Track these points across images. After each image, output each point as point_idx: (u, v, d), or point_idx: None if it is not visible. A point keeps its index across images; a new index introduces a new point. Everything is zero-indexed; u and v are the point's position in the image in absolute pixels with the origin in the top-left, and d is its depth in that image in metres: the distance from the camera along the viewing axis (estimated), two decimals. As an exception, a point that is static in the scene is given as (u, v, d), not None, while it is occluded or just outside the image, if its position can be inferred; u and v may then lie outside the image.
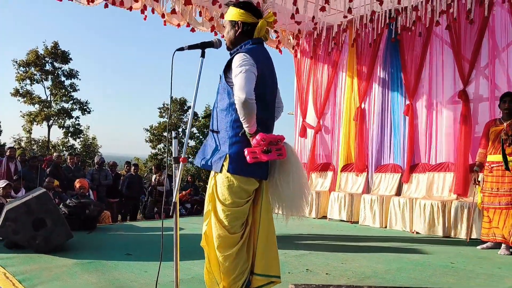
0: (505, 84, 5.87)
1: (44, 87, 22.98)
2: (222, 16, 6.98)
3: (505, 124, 4.72)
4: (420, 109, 6.88)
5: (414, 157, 6.89)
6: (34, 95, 22.55)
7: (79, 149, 23.54)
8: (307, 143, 8.55)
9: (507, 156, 4.55)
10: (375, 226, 6.61)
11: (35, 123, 22.45)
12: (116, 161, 10.26)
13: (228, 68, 2.49)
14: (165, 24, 6.91)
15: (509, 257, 4.52)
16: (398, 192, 6.85)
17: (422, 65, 6.76)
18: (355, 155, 7.56)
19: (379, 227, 6.54)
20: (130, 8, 6.46)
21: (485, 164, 4.90)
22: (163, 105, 24.57)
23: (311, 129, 8.40)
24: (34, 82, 22.55)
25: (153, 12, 6.68)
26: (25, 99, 22.25)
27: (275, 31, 8.06)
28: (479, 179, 5.00)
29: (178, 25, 7.00)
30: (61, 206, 5.72)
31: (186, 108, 24.48)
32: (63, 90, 22.87)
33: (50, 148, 22.58)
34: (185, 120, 24.38)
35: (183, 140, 2.59)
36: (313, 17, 6.54)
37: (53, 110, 22.71)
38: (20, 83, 22.21)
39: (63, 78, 22.94)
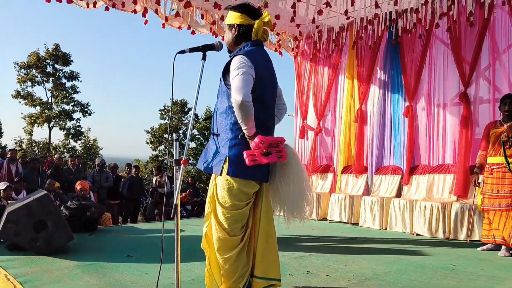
0: (505, 86, 5.88)
1: (45, 89, 23.10)
2: (222, 18, 7.00)
3: (505, 126, 4.72)
4: (420, 111, 6.88)
5: (414, 158, 6.89)
6: (35, 97, 22.64)
7: (80, 151, 23.59)
8: (307, 144, 8.56)
9: (508, 158, 4.56)
10: (375, 228, 6.61)
11: (36, 125, 22.53)
12: (117, 163, 10.28)
13: (226, 70, 2.50)
14: (163, 27, 6.88)
15: (509, 259, 4.52)
16: (398, 194, 6.85)
17: (422, 67, 6.77)
18: (355, 157, 7.56)
19: (380, 229, 6.54)
20: (134, 11, 6.47)
21: (485, 166, 4.90)
22: (164, 107, 24.67)
23: (312, 130, 8.41)
24: (35, 84, 22.67)
25: (156, 13, 6.68)
26: (26, 101, 22.33)
27: (277, 34, 8.07)
28: (479, 181, 5.01)
29: (179, 27, 7.01)
30: (62, 208, 5.73)
31: (186, 110, 24.53)
32: (64, 92, 22.96)
33: (51, 150, 22.62)
34: (185, 122, 24.42)
35: (183, 142, 2.60)
36: (313, 19, 6.55)
37: (54, 112, 22.78)
38: (21, 85, 22.31)
39: (64, 80, 23.06)
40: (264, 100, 2.54)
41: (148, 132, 24.51)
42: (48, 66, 22.61)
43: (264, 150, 2.39)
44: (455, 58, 6.29)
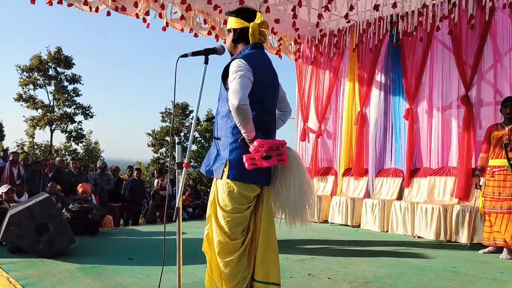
0: (507, 89, 5.88)
1: (47, 92, 23.16)
2: (225, 22, 7.02)
3: (506, 129, 4.73)
4: (421, 114, 6.89)
5: (416, 161, 6.90)
6: (37, 100, 22.73)
7: (82, 153, 23.63)
8: (308, 147, 8.57)
9: (510, 161, 4.56)
10: (376, 230, 6.61)
11: (38, 127, 22.59)
12: (118, 166, 10.29)
13: (226, 74, 2.51)
14: (164, 30, 6.89)
15: (511, 261, 4.52)
16: (400, 197, 6.85)
17: (423, 69, 6.78)
18: (356, 160, 7.56)
19: (381, 232, 6.54)
20: (137, 15, 6.49)
21: (486, 168, 4.90)
22: (165, 109, 24.70)
23: (313, 133, 8.42)
24: (37, 87, 22.75)
25: (160, 17, 6.70)
26: (28, 104, 22.42)
27: (280, 39, 8.08)
28: (481, 184, 5.01)
29: (182, 30, 7.04)
30: (63, 210, 5.74)
31: (188, 112, 24.56)
32: (66, 95, 23.04)
33: (53, 152, 22.67)
34: (186, 124, 24.45)
35: (184, 144, 2.60)
36: (317, 24, 6.55)
37: (55, 115, 22.85)
38: (23, 88, 22.42)
39: (66, 83, 23.12)
40: (264, 102, 2.55)
41: (149, 134, 24.55)
42: (50, 69, 22.71)
43: (264, 154, 2.38)
44: (456, 61, 6.30)
